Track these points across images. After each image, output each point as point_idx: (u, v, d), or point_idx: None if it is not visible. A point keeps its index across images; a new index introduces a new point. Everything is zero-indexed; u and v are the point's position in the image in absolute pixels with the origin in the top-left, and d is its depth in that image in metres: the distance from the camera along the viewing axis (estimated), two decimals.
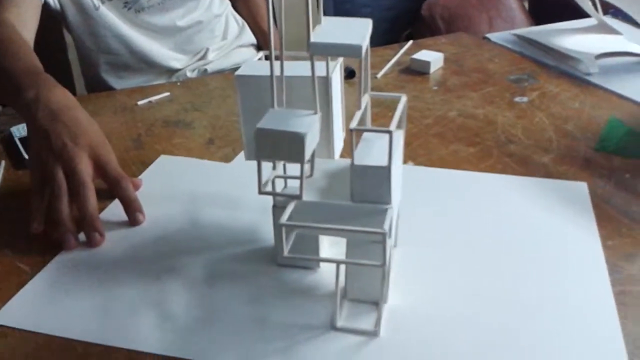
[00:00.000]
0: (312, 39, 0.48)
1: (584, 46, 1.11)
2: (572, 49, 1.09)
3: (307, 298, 0.57)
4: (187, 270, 0.61)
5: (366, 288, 0.55)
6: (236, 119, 0.92)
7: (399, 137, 0.55)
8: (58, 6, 1.08)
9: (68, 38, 1.20)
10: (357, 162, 0.51)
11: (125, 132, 0.89)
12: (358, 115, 0.52)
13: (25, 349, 0.52)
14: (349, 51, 0.48)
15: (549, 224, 0.66)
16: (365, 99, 0.55)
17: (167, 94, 1.00)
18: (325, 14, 0.51)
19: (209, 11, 1.20)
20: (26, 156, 0.80)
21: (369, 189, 0.51)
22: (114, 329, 0.54)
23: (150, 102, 0.98)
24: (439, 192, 0.73)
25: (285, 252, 0.51)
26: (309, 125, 0.50)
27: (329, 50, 0.49)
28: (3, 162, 0.80)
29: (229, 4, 1.28)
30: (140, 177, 0.77)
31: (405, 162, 0.78)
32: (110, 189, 0.69)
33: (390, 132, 0.48)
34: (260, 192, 0.52)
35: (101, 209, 0.69)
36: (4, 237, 0.67)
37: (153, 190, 0.74)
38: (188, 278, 0.60)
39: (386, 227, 0.48)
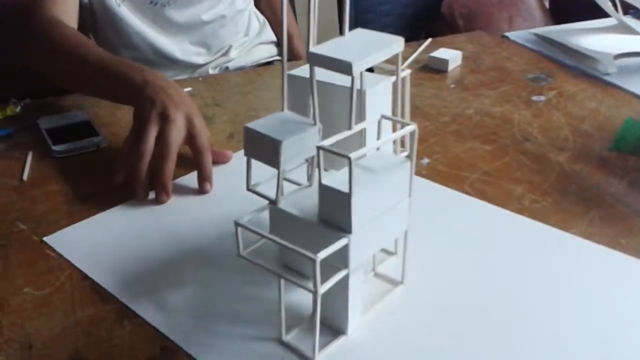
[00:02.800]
0: (315, 50, 0.49)
1: (602, 46, 1.11)
2: (590, 48, 1.10)
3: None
4: (200, 260, 0.63)
5: (329, 313, 0.53)
6: (255, 114, 0.94)
7: (401, 167, 0.52)
8: (87, 1, 1.11)
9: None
10: (324, 181, 0.49)
11: None
12: (338, 136, 0.50)
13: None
14: (339, 67, 0.47)
15: (582, 294, 0.58)
16: (377, 116, 0.55)
17: (189, 89, 1.02)
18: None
19: (233, 6, 1.22)
20: (53, 147, 0.82)
21: (332, 212, 0.49)
22: (130, 286, 0.60)
23: None
24: (482, 232, 0.67)
25: (241, 252, 0.52)
26: (297, 133, 0.50)
27: (324, 63, 0.48)
28: (30, 153, 0.83)
29: (252, 0, 1.30)
30: (236, 153, 0.82)
31: (421, 158, 0.80)
32: (194, 156, 0.76)
33: (349, 158, 0.45)
34: (248, 189, 0.54)
35: (183, 174, 0.78)
36: (31, 223, 0.69)
37: (236, 169, 0.77)
38: (197, 268, 0.62)
39: (322, 254, 0.46)
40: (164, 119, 0.75)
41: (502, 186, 0.74)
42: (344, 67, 0.47)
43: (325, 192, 0.49)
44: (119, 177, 0.75)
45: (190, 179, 0.77)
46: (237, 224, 0.51)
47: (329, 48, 0.49)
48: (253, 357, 0.52)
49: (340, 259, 0.49)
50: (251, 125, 0.51)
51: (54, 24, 0.96)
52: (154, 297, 0.58)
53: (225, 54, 1.24)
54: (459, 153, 0.82)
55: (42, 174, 0.79)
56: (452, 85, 1.03)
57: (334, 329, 0.54)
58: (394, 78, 0.55)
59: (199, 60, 1.21)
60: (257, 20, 1.31)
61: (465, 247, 0.64)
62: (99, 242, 0.66)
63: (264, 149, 0.50)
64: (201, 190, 0.75)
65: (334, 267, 0.49)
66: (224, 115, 0.94)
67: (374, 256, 0.60)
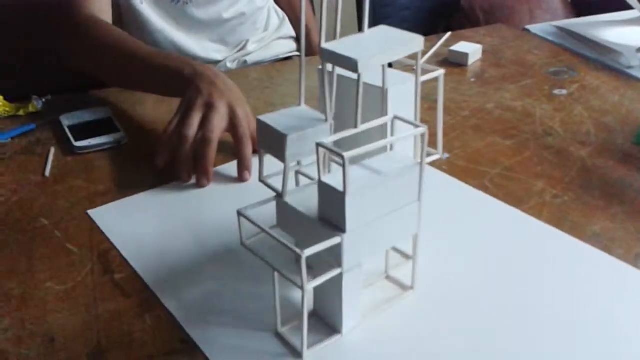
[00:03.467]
0: (326, 46, 0.48)
1: (625, 39, 1.09)
2: (613, 41, 1.08)
3: (284, 299, 0.56)
4: (222, 252, 0.64)
5: (325, 311, 0.53)
6: (273, 109, 0.93)
7: (410, 169, 0.51)
8: None
9: None
10: (324, 179, 0.48)
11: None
12: (342, 134, 0.49)
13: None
14: (347, 64, 0.47)
15: (595, 305, 0.56)
16: (389, 117, 0.54)
17: None
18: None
19: (252, 3, 1.22)
20: (74, 143, 0.83)
21: (330, 210, 0.49)
22: (157, 269, 0.62)
23: None
24: (498, 236, 0.65)
25: (242, 241, 0.52)
26: (305, 129, 0.50)
27: (334, 59, 0.48)
28: (52, 149, 0.84)
29: None
30: None
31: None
32: (235, 144, 0.78)
33: (342, 157, 0.45)
34: (260, 180, 0.54)
35: (227, 161, 0.80)
36: (54, 219, 0.70)
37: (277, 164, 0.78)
38: (219, 260, 0.63)
39: (309, 251, 0.46)
40: (208, 107, 0.77)
41: (522, 181, 0.74)
42: (351, 65, 0.46)
43: (323, 189, 0.49)
44: (160, 160, 0.77)
45: (231, 168, 0.78)
46: (239, 214, 0.51)
47: (342, 45, 0.48)
48: (250, 349, 0.52)
49: (335, 258, 0.48)
50: (263, 117, 0.51)
51: (93, 22, 0.98)
52: (175, 287, 0.59)
53: (243, 48, 1.24)
54: (479, 148, 0.81)
55: (64, 170, 0.80)
56: (472, 79, 1.02)
57: (329, 327, 0.54)
58: (425, 77, 0.54)
59: (218, 56, 1.22)
60: (276, 15, 1.31)
61: (479, 252, 0.63)
62: (134, 222, 0.69)
63: (273, 141, 0.51)
64: (240, 178, 0.76)
65: (331, 265, 0.49)
66: None
67: (387, 259, 0.59)
